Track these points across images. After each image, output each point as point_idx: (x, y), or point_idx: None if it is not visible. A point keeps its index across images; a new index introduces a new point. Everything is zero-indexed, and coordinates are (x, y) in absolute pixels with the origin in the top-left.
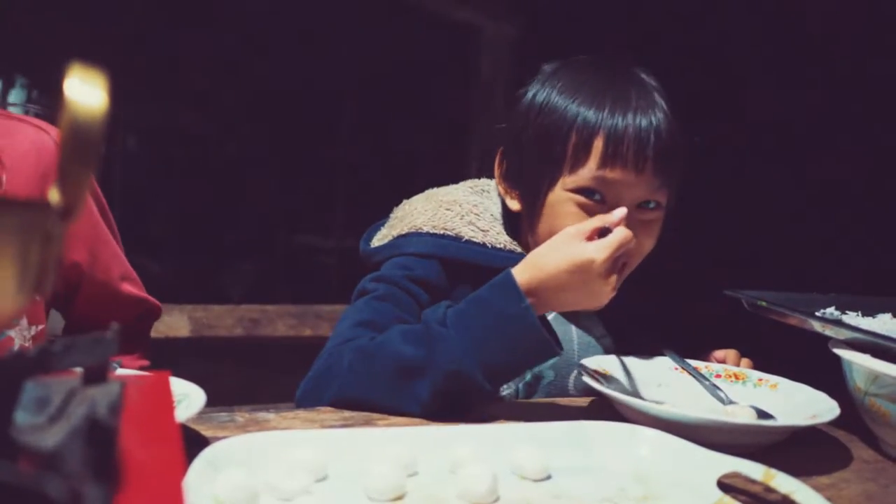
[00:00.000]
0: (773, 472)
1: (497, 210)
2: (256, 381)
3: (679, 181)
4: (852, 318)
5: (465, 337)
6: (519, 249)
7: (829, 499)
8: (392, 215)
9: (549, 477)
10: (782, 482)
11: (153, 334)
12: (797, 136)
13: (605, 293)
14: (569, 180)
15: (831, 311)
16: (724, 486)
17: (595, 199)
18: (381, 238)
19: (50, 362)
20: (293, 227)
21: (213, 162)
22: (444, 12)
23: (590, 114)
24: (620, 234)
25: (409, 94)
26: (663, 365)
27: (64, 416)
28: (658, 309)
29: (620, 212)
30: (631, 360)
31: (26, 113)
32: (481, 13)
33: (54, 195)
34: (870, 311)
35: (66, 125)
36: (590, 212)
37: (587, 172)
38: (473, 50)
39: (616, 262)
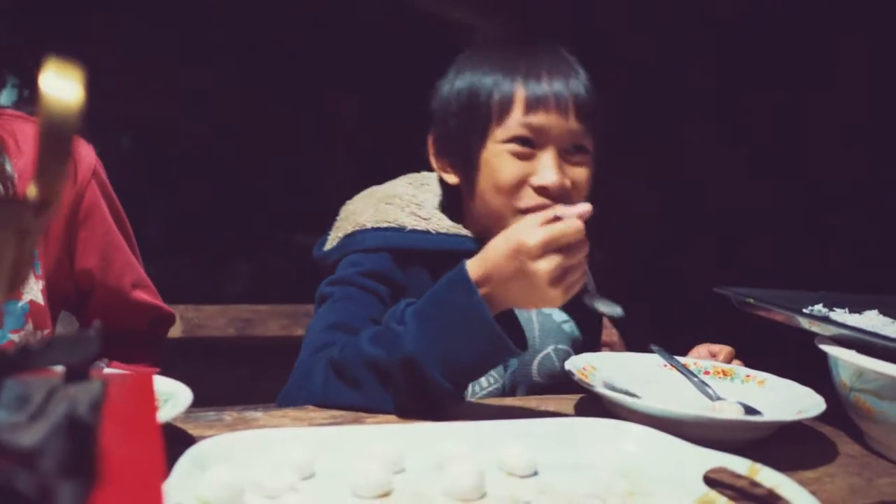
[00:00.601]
0: (759, 466)
1: (437, 200)
2: (249, 381)
3: (602, 131)
4: (839, 314)
5: (420, 332)
6: (464, 232)
7: (814, 493)
8: (337, 218)
9: (535, 473)
10: (767, 476)
11: None
12: (787, 135)
13: (548, 294)
14: (499, 133)
15: (818, 308)
16: (711, 480)
17: (526, 147)
18: (330, 242)
19: (30, 360)
20: (290, 227)
21: (208, 161)
22: (435, 11)
23: (507, 75)
24: (562, 225)
25: (405, 95)
26: (652, 362)
27: (44, 415)
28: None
29: (582, 207)
30: (619, 357)
31: (31, 115)
32: (474, 12)
33: (31, 190)
34: (857, 308)
35: (42, 120)
36: (523, 158)
37: (514, 121)
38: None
39: (562, 264)
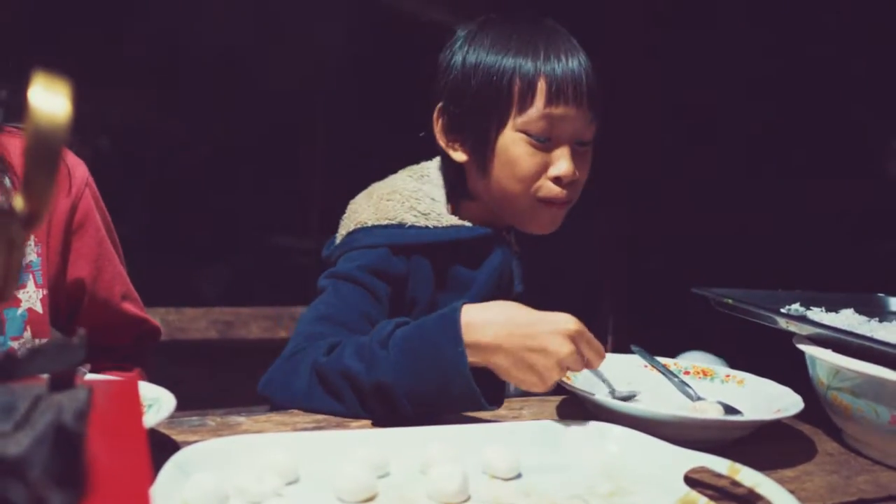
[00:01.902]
0: (738, 466)
1: (438, 192)
2: (231, 384)
3: (602, 119)
4: (817, 313)
5: (399, 364)
6: (461, 223)
7: (793, 491)
8: (342, 218)
9: (519, 475)
10: (747, 476)
11: None
12: (766, 136)
13: (551, 373)
14: (519, 121)
15: (796, 308)
16: (691, 480)
17: (542, 139)
18: (337, 241)
19: (15, 368)
20: (269, 228)
21: (188, 162)
22: (417, 12)
23: (528, 60)
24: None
25: (384, 94)
26: (633, 363)
27: (30, 423)
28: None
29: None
30: None
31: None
32: (456, 14)
33: (18, 202)
34: (833, 307)
35: (29, 133)
36: (539, 149)
37: (535, 111)
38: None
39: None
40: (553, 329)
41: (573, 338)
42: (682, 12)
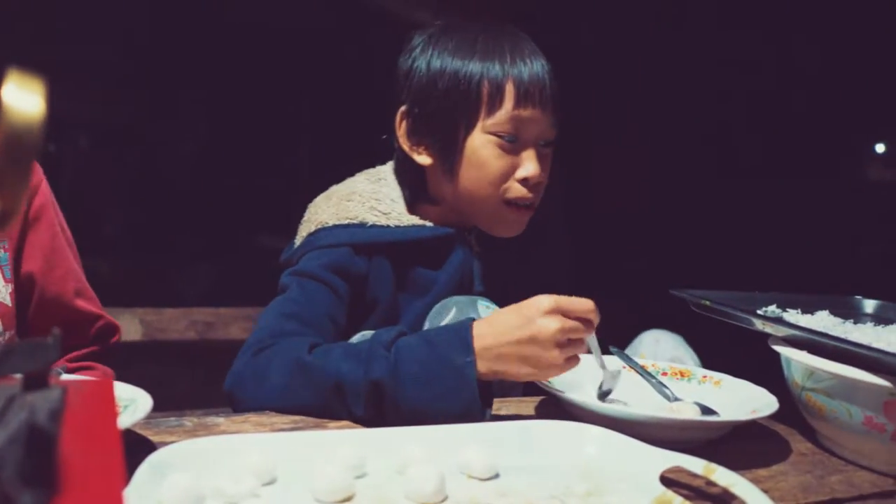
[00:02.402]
0: (714, 466)
1: (395, 194)
2: (210, 385)
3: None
4: (793, 315)
5: (401, 366)
6: (422, 222)
7: (767, 490)
8: (302, 221)
9: (496, 476)
10: (722, 476)
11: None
12: (739, 140)
13: (549, 353)
14: (488, 123)
15: (773, 309)
16: (667, 480)
17: (510, 140)
18: (297, 242)
19: None
20: (252, 229)
21: (169, 162)
22: (404, 14)
23: (495, 63)
24: (575, 300)
25: (368, 96)
26: (611, 364)
27: (2, 423)
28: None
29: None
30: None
31: None
32: (434, 14)
33: None
34: (809, 309)
35: (4, 131)
36: (507, 151)
37: (504, 113)
38: None
39: (566, 328)
40: (532, 314)
41: (554, 312)
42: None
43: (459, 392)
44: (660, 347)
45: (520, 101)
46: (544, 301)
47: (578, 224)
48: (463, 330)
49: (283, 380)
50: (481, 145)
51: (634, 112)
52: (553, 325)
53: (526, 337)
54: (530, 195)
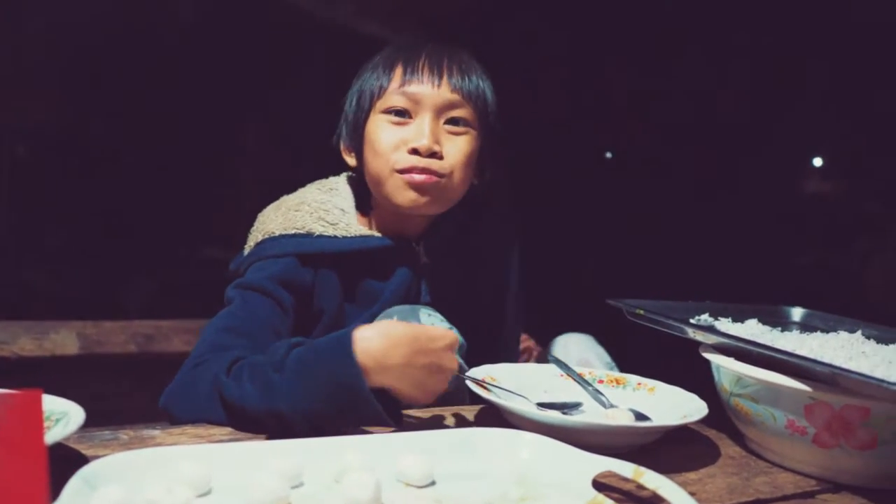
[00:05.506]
0: (643, 469)
1: (346, 204)
2: (151, 398)
3: (492, 112)
4: (724, 323)
5: (294, 383)
6: (369, 232)
7: (694, 493)
8: (251, 230)
9: (433, 483)
10: (650, 479)
11: (39, 352)
12: (679, 152)
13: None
14: (379, 104)
15: (705, 318)
16: (599, 484)
17: (398, 114)
18: (245, 252)
19: None
20: (193, 241)
21: (108, 172)
22: (351, 25)
23: (389, 59)
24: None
25: (314, 108)
26: (549, 372)
27: None
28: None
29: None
30: (518, 367)
31: None
32: (387, 27)
33: None
34: (740, 317)
35: None
36: (398, 125)
37: (392, 91)
38: None
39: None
40: (444, 346)
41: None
42: None
43: (356, 405)
44: (569, 352)
45: (406, 75)
46: (450, 337)
47: (529, 230)
48: (345, 340)
49: (206, 399)
50: (375, 125)
51: (579, 126)
52: (455, 362)
53: (432, 364)
54: (420, 162)
